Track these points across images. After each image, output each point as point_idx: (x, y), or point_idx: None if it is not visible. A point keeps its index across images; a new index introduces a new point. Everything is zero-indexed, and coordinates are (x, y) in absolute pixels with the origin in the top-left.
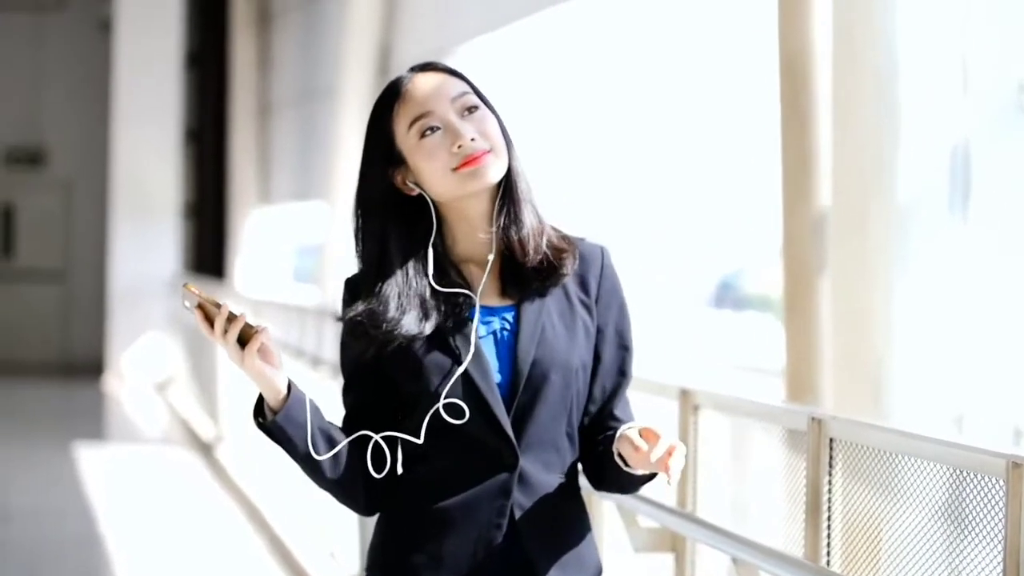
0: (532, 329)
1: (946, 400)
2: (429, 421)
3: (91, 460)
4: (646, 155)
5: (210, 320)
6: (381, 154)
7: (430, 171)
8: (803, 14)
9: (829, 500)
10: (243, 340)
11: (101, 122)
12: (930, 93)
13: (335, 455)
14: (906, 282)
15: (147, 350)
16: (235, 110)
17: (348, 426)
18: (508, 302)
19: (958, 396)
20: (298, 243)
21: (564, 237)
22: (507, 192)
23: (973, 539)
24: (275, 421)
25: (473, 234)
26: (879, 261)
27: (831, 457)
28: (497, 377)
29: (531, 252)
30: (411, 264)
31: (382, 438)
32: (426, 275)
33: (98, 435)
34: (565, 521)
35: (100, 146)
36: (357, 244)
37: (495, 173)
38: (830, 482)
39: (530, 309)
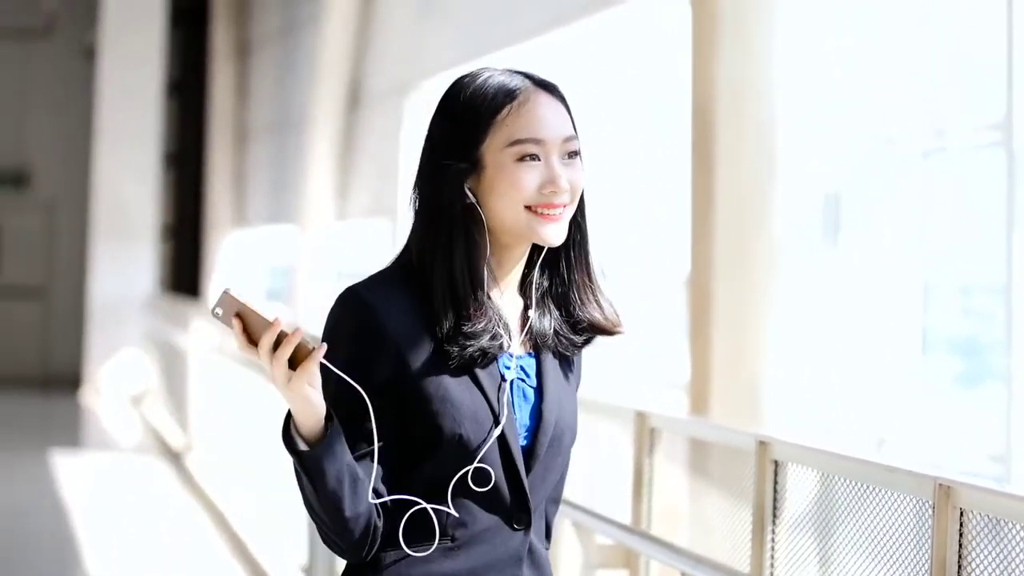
0: (555, 386)
1: (817, 411)
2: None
3: (67, 467)
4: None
5: (248, 333)
6: (461, 152)
7: (506, 196)
8: (711, 70)
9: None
10: (291, 360)
11: (84, 145)
12: (804, 144)
13: (356, 495)
14: (781, 308)
15: (123, 365)
16: (213, 136)
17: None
18: (522, 350)
19: (828, 408)
20: (271, 264)
21: (602, 301)
22: (569, 246)
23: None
24: (315, 453)
25: (509, 269)
26: (758, 290)
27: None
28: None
29: (578, 330)
30: (468, 282)
31: (416, 506)
32: (489, 296)
33: (75, 444)
34: None
35: (82, 169)
36: (418, 241)
37: (561, 234)
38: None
39: (550, 362)
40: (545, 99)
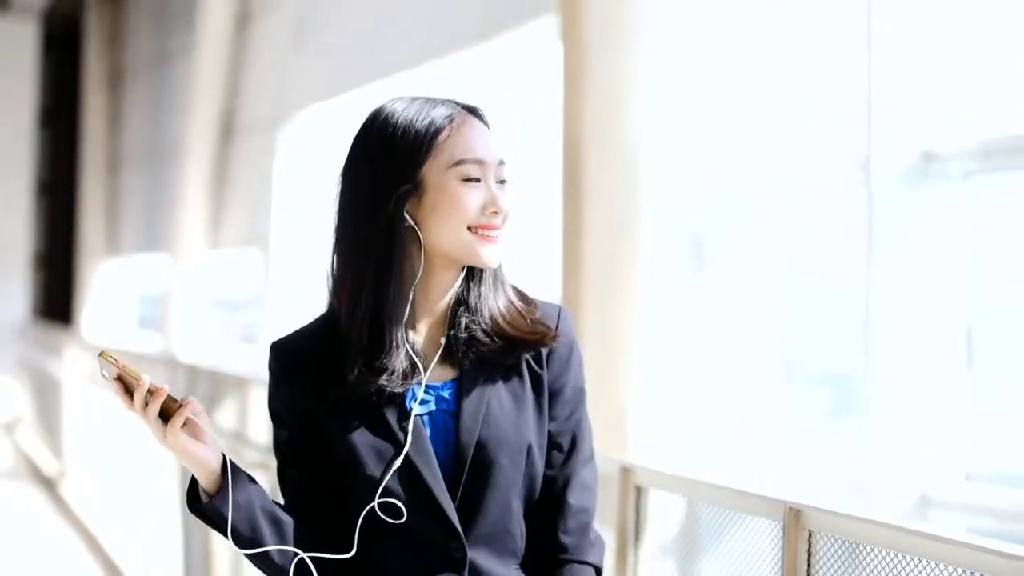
0: (475, 407)
1: (683, 441)
2: (366, 517)
3: None
4: None
5: (130, 392)
6: (402, 175)
7: (448, 217)
8: (580, 105)
9: None
10: (166, 415)
11: None
12: (669, 179)
13: (284, 541)
14: (647, 340)
15: None
16: (86, 165)
17: (294, 506)
18: (446, 377)
19: (694, 437)
20: (144, 292)
21: (525, 314)
22: (483, 272)
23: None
24: (211, 504)
25: (437, 297)
26: (625, 320)
27: None
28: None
29: (494, 336)
30: (394, 311)
31: (308, 556)
32: (404, 330)
33: None
34: None
35: None
36: (343, 273)
37: (499, 256)
38: None
39: (473, 385)
40: (476, 124)
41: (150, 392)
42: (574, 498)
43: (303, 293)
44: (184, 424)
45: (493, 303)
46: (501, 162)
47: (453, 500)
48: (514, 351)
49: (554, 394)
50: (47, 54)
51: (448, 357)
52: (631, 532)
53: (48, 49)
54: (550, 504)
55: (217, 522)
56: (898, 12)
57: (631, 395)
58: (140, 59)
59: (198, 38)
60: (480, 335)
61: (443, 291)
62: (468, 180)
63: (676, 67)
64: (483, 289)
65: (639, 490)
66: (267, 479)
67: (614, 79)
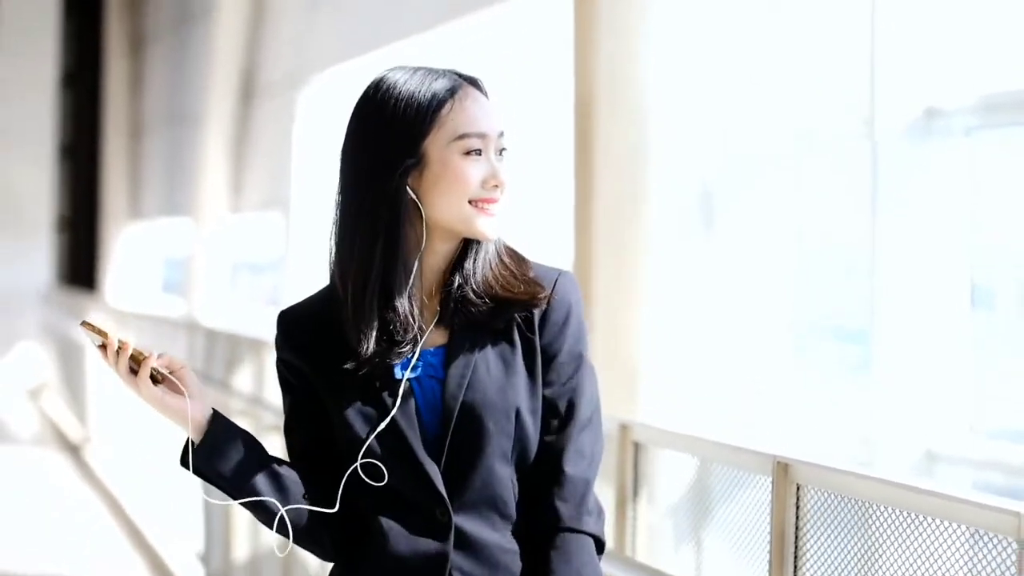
0: (461, 372)
1: (692, 398)
2: (350, 479)
3: None
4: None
5: None
6: (405, 149)
7: (449, 191)
8: (591, 64)
9: None
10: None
11: None
12: (678, 140)
13: (283, 492)
14: (657, 299)
15: (20, 358)
16: (108, 129)
17: (299, 467)
18: (436, 343)
19: (703, 394)
20: (166, 256)
21: (518, 275)
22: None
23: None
24: (197, 457)
25: (435, 267)
26: (636, 278)
27: None
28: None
29: (485, 297)
30: (402, 286)
31: (294, 507)
32: (411, 301)
33: None
34: None
35: None
36: (349, 248)
37: (498, 229)
38: None
39: (460, 350)
40: (478, 96)
41: (120, 347)
42: (570, 466)
43: (324, 256)
44: (162, 380)
45: (486, 266)
46: (502, 133)
47: (439, 465)
48: (504, 312)
49: (549, 359)
50: (68, 17)
51: (441, 323)
52: (629, 488)
53: (69, 12)
54: (546, 471)
55: (206, 474)
56: None
57: (641, 354)
58: (161, 23)
59: (218, 1)
60: (471, 295)
61: (440, 261)
62: (469, 153)
63: (686, 24)
64: (478, 254)
65: (637, 446)
66: (283, 442)
67: (625, 37)
